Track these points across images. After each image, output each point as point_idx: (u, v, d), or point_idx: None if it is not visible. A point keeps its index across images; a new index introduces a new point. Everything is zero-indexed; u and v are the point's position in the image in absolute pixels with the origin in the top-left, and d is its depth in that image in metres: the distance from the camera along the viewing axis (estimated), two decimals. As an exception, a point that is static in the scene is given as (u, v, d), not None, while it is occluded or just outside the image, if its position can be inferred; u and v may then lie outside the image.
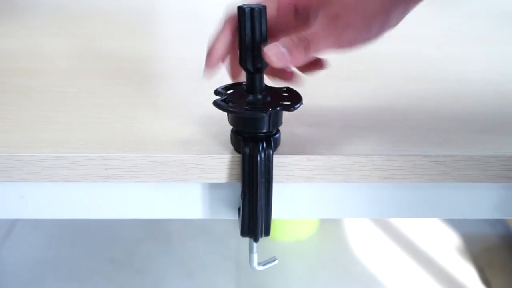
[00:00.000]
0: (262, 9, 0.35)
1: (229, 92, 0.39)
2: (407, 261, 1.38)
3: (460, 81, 0.52)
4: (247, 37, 0.36)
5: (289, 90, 0.39)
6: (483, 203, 0.43)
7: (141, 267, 1.37)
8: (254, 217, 0.39)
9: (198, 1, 0.80)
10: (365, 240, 1.47)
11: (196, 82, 0.50)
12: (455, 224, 1.49)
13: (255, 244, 0.43)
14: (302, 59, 0.36)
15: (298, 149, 0.39)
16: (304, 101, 0.38)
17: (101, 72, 0.53)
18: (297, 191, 0.42)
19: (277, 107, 0.37)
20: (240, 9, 0.35)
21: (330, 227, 1.50)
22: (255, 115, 0.36)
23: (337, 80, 0.51)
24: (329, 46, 0.36)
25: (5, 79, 0.51)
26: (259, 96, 0.38)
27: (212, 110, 0.37)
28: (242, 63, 0.37)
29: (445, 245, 1.44)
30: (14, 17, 0.72)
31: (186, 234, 1.47)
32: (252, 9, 0.35)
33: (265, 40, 0.36)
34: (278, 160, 0.38)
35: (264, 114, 0.36)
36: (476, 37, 0.67)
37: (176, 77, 0.52)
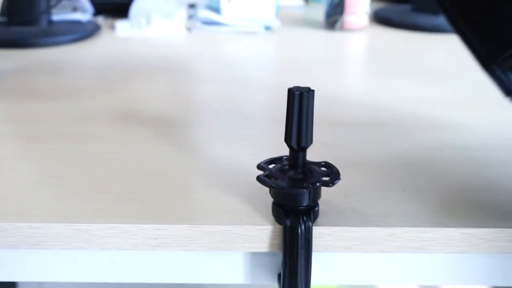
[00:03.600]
0: (310, 95, 0.38)
1: (271, 166, 0.42)
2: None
3: (490, 148, 0.54)
4: (294, 118, 0.38)
5: (327, 165, 0.42)
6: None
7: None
8: (295, 285, 0.41)
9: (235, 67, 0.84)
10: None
11: (239, 149, 0.53)
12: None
13: (294, 310, 0.45)
14: None
15: (335, 221, 0.41)
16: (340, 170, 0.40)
17: (146, 137, 0.56)
18: (335, 259, 0.44)
19: (317, 182, 0.39)
20: (290, 92, 0.38)
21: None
22: (296, 192, 0.39)
23: (370, 146, 0.54)
24: None
25: (59, 145, 0.54)
26: (300, 171, 0.40)
27: (254, 180, 0.40)
28: (287, 140, 0.39)
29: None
30: (60, 78, 0.76)
31: None
32: (301, 94, 0.38)
33: (311, 121, 0.39)
34: (318, 232, 0.41)
35: (305, 190, 0.39)
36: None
37: (220, 143, 0.55)
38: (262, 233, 0.41)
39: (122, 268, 0.45)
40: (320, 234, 0.41)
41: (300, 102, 0.38)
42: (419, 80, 0.76)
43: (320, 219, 0.41)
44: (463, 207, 0.43)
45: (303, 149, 0.40)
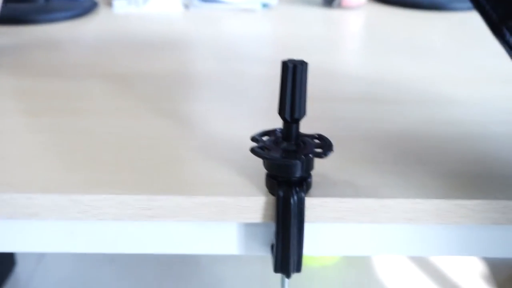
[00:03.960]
0: (304, 67, 0.38)
1: (264, 138, 0.42)
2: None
3: (484, 124, 0.54)
4: (288, 90, 0.39)
5: (320, 137, 0.42)
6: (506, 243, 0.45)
7: (170, 290, 1.40)
8: (287, 255, 0.42)
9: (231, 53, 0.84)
10: (388, 265, 1.48)
11: (235, 123, 0.53)
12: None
13: (286, 280, 0.45)
14: None
15: (328, 192, 0.42)
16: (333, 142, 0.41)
17: (143, 112, 0.56)
18: (327, 230, 0.45)
19: (310, 153, 0.40)
20: (284, 64, 0.39)
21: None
22: (289, 163, 0.39)
23: (365, 122, 0.54)
24: None
25: (58, 119, 0.54)
26: (293, 143, 0.41)
27: (248, 152, 0.40)
28: (281, 112, 0.40)
29: (471, 273, 1.44)
30: (58, 55, 0.77)
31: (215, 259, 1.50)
32: (295, 66, 0.38)
33: (304, 94, 0.39)
34: (310, 202, 0.41)
35: (298, 161, 0.39)
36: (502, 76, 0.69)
37: (216, 118, 0.55)
38: (256, 204, 0.42)
39: (118, 239, 0.46)
40: (313, 205, 0.41)
41: (293, 74, 0.39)
42: (416, 58, 0.76)
43: (313, 190, 0.42)
44: (455, 180, 0.44)
45: (296, 121, 0.40)
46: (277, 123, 0.42)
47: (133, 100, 0.59)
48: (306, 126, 0.43)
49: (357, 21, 0.99)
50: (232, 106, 0.58)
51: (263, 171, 0.42)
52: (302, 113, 0.40)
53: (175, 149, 0.48)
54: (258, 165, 0.42)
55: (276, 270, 0.43)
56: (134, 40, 0.84)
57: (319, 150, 0.40)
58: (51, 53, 0.77)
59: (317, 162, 0.41)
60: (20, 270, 1.52)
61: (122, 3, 1.02)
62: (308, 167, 0.40)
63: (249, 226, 0.45)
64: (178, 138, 0.50)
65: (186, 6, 1.04)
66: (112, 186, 0.42)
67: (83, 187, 0.42)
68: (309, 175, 0.41)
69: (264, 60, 0.73)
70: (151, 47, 0.80)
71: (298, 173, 0.40)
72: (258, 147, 0.41)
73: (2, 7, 0.86)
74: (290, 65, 0.39)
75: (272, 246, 0.44)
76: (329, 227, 0.45)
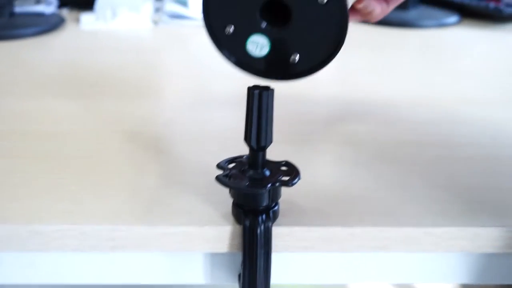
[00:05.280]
0: (270, 93, 0.38)
1: (231, 166, 0.41)
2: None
3: (452, 147, 0.54)
4: (254, 117, 0.38)
5: (287, 164, 0.42)
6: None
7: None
8: (254, 285, 0.41)
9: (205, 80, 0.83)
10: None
11: (201, 146, 0.52)
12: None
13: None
14: None
15: (296, 220, 0.41)
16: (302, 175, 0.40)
17: (107, 135, 0.55)
18: (296, 258, 0.44)
19: (276, 182, 0.39)
20: (250, 91, 0.38)
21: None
22: (255, 192, 0.39)
23: (334, 145, 0.54)
24: None
25: (20, 143, 0.53)
26: (260, 171, 0.40)
27: (214, 179, 0.39)
28: (247, 140, 0.39)
29: None
30: (22, 73, 0.75)
31: None
32: (260, 93, 0.37)
33: (271, 120, 0.38)
34: (277, 231, 0.40)
35: (264, 190, 0.38)
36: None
37: (182, 140, 0.54)
38: (222, 234, 0.41)
39: (80, 270, 0.44)
40: (281, 234, 0.40)
41: (259, 101, 0.38)
42: (386, 76, 0.76)
43: (280, 218, 0.41)
44: (424, 206, 0.43)
45: (263, 149, 0.39)
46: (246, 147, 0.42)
47: (99, 121, 0.58)
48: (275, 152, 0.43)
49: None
50: (200, 128, 0.57)
51: (230, 199, 0.41)
52: (269, 140, 0.39)
53: (140, 175, 0.47)
54: (225, 192, 0.41)
55: (243, 300, 0.42)
56: (100, 58, 0.82)
57: (286, 178, 0.40)
58: (14, 71, 0.75)
59: (285, 188, 0.41)
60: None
61: (89, 19, 1.01)
62: (275, 196, 0.40)
63: (215, 255, 0.44)
64: (142, 163, 0.49)
65: (155, 23, 1.03)
66: (73, 215, 0.41)
67: (44, 216, 0.41)
68: (277, 203, 0.41)
69: (233, 78, 0.72)
70: (118, 65, 0.79)
71: (264, 203, 0.39)
72: (224, 175, 0.40)
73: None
74: (256, 92, 0.38)
75: (239, 276, 0.43)
76: (297, 255, 0.44)
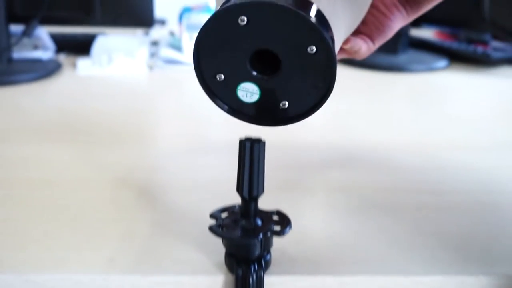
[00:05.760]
0: (261, 145, 0.39)
1: (223, 215, 0.42)
2: None
3: (440, 193, 0.55)
4: (246, 168, 0.39)
5: (279, 213, 0.42)
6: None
7: None
8: (246, 335, 0.41)
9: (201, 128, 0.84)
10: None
11: (195, 194, 0.53)
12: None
13: None
14: None
15: (288, 269, 0.42)
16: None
17: (100, 182, 0.56)
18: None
19: (268, 232, 0.40)
20: (242, 143, 0.39)
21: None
22: (247, 242, 0.39)
23: (324, 192, 0.55)
24: None
25: (14, 190, 0.53)
26: (252, 221, 0.41)
27: (207, 227, 0.40)
28: (239, 190, 0.40)
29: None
30: (18, 119, 0.76)
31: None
32: (252, 145, 0.39)
33: (262, 171, 0.39)
34: (269, 280, 0.41)
35: (256, 240, 0.39)
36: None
37: (175, 188, 0.55)
38: (214, 283, 0.41)
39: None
40: (272, 283, 0.41)
41: (251, 153, 0.39)
42: (375, 121, 0.78)
43: (272, 267, 0.42)
44: (413, 253, 0.44)
45: (255, 199, 0.40)
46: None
47: (92, 169, 0.59)
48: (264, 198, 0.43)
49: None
50: (194, 174, 0.58)
51: (223, 247, 0.41)
52: (260, 190, 0.40)
53: (133, 223, 0.48)
54: (217, 241, 0.42)
55: None
56: (96, 104, 0.84)
57: (277, 228, 0.41)
58: (11, 117, 0.77)
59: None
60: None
61: (86, 64, 1.03)
62: (266, 245, 0.40)
63: (208, 304, 0.44)
64: (136, 211, 0.50)
65: (151, 68, 1.05)
66: (66, 264, 0.42)
67: (37, 266, 0.41)
68: (269, 252, 0.41)
69: (228, 124, 0.74)
70: (114, 111, 0.80)
71: (256, 252, 0.40)
72: (217, 225, 0.41)
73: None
74: (248, 144, 0.39)
75: (232, 324, 0.43)
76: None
